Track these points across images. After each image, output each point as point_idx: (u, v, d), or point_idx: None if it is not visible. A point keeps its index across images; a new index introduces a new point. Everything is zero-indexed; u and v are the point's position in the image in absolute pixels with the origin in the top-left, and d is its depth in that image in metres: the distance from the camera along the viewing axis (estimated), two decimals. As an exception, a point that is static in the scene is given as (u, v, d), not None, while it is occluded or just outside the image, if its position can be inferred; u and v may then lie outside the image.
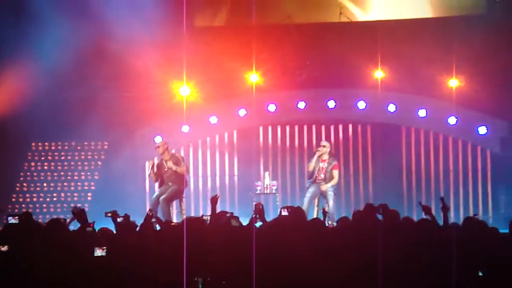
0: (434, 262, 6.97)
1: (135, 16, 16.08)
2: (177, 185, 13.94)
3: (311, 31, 16.24)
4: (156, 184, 14.61)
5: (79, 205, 14.28)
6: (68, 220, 9.11)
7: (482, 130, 15.68)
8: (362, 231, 7.52)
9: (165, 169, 14.00)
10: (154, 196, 14.05)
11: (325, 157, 14.20)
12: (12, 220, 8.23)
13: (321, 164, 14.15)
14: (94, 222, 8.64)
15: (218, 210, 9.13)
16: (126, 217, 8.93)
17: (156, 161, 14.48)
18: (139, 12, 16.22)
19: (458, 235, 7.29)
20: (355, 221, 8.06)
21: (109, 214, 9.08)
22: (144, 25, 15.85)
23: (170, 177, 13.97)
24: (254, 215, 8.53)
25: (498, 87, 15.36)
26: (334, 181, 14.12)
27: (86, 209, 15.62)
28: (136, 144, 16.44)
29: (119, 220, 8.83)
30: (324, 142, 14.37)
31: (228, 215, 8.38)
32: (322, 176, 14.12)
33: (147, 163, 15.49)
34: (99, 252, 7.13)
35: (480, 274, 6.87)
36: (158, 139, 14.94)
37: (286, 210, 8.56)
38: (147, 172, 14.84)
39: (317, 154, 14.13)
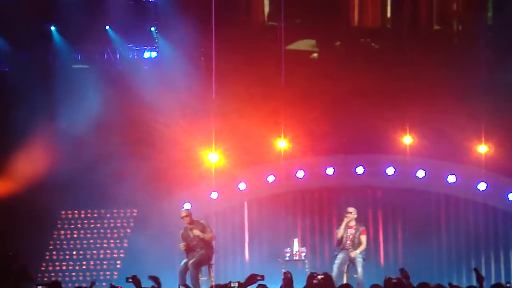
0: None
1: (164, 84, 16.31)
2: (205, 251, 13.87)
3: (338, 96, 16.28)
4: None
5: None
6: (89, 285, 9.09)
7: (513, 196, 15.56)
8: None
9: (191, 237, 13.90)
10: (182, 263, 13.94)
11: (352, 223, 14.15)
12: (41, 289, 8.24)
13: (349, 231, 14.11)
14: (121, 287, 8.62)
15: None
16: (155, 278, 8.88)
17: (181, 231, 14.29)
18: (168, 79, 16.45)
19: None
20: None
21: (130, 280, 9.05)
22: (172, 92, 16.04)
23: (198, 244, 13.90)
24: (283, 284, 8.46)
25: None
26: (363, 246, 14.04)
27: (115, 276, 15.70)
28: (165, 211, 16.45)
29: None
30: (350, 209, 14.33)
31: (259, 278, 8.31)
32: (350, 242, 14.05)
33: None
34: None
35: None
36: (187, 206, 14.88)
37: (316, 279, 8.49)
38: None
39: (345, 220, 14.09)
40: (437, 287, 8.33)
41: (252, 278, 8.37)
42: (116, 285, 8.85)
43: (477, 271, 9.15)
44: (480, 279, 8.79)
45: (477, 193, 15.78)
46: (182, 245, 13.84)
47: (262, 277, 8.39)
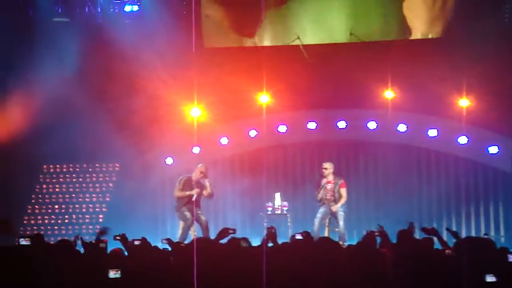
0: (444, 278, 7.02)
1: (145, 38, 16.21)
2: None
3: (321, 52, 16.28)
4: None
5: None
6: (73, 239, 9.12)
7: (493, 149, 15.64)
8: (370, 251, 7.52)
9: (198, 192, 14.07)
10: (189, 216, 13.94)
11: (330, 177, 14.21)
12: (23, 242, 8.24)
13: (328, 185, 14.16)
14: (107, 240, 8.66)
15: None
16: (143, 239, 8.94)
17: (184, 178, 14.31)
18: (149, 34, 16.35)
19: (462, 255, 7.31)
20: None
21: (118, 238, 9.09)
22: (154, 47, 15.96)
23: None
24: (266, 238, 8.51)
25: (509, 106, 15.36)
26: (343, 200, 14.12)
27: (97, 230, 15.76)
28: (147, 165, 16.48)
29: (136, 242, 8.82)
30: (326, 164, 14.37)
31: (230, 231, 8.38)
32: (330, 197, 14.13)
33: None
34: (112, 274, 7.14)
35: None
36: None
37: (301, 235, 8.59)
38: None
39: (323, 182, 14.14)
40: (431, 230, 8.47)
41: (224, 232, 8.44)
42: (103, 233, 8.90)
43: (449, 230, 9.26)
44: (454, 234, 8.87)
45: (458, 147, 15.87)
46: (196, 191, 13.93)
47: (234, 230, 8.47)
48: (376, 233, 8.74)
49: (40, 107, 15.90)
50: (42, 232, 15.83)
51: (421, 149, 16.30)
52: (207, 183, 14.00)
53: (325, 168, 14.27)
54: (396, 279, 7.11)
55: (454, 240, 8.37)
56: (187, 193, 13.96)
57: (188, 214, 13.82)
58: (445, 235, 10.57)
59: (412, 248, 7.77)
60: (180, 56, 15.90)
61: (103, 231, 9.08)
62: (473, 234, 15.75)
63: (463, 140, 15.68)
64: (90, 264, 7.66)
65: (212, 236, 12.30)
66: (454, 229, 14.57)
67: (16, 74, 16.09)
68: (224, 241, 8.07)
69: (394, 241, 8.14)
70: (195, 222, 13.82)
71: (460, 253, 7.45)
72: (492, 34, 15.47)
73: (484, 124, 15.53)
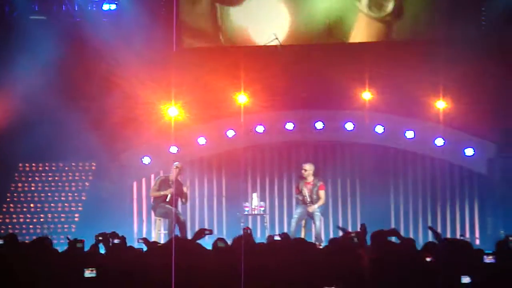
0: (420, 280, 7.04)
1: (123, 37, 16.14)
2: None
3: (298, 52, 16.30)
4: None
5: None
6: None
7: (469, 151, 15.72)
8: (348, 252, 7.53)
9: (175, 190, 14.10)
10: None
11: (310, 179, 14.22)
12: (-4, 242, 8.19)
13: (307, 186, 14.18)
14: (84, 240, 8.62)
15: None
16: (122, 238, 8.91)
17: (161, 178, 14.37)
18: (126, 33, 16.29)
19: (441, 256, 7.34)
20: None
21: (100, 238, 9.03)
22: (131, 46, 15.90)
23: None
24: (242, 240, 8.50)
25: (485, 109, 15.45)
26: (321, 201, 14.15)
27: (73, 230, 15.68)
28: (124, 165, 16.42)
29: (116, 241, 8.78)
30: (306, 165, 14.38)
31: (207, 232, 8.38)
32: (308, 198, 14.14)
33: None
34: (88, 273, 7.10)
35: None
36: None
37: (279, 236, 8.64)
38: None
39: (305, 188, 14.15)
40: (391, 231, 8.49)
41: (200, 233, 8.45)
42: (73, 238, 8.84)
43: (431, 228, 9.31)
44: (437, 235, 8.93)
45: (435, 149, 15.93)
46: (170, 191, 13.91)
47: (210, 231, 8.50)
48: (353, 234, 8.76)
49: (15, 105, 15.79)
50: (17, 231, 15.77)
51: (398, 150, 16.34)
52: (185, 186, 14.09)
53: (305, 170, 14.27)
54: (372, 279, 7.12)
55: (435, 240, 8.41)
56: (162, 192, 13.98)
57: (168, 206, 13.85)
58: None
59: (388, 250, 7.78)
60: (158, 55, 15.85)
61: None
62: (448, 235, 15.82)
63: (439, 142, 15.75)
64: (66, 263, 7.62)
65: (189, 236, 12.29)
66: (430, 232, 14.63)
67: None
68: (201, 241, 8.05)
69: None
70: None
71: (438, 255, 7.47)
72: (471, 38, 15.56)
73: (461, 127, 15.61)
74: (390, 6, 16.58)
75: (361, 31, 16.69)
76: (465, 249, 7.58)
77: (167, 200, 13.95)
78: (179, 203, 14.61)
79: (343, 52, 16.16)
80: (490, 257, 7.49)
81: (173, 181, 14.02)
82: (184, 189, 14.17)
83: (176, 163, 14.20)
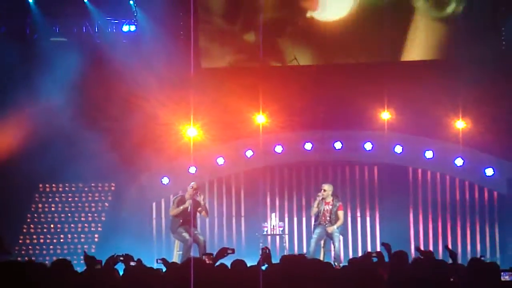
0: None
1: (142, 58, 16.25)
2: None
3: (317, 72, 16.33)
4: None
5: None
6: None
7: (489, 171, 15.68)
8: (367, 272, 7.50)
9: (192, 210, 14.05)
10: (187, 236, 13.88)
11: (329, 199, 14.18)
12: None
13: (325, 207, 14.14)
14: (101, 260, 8.64)
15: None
16: (139, 261, 8.91)
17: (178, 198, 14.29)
18: (146, 54, 16.39)
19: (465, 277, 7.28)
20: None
21: (121, 258, 9.03)
22: (151, 67, 16.00)
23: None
24: (260, 260, 8.49)
25: (505, 128, 15.42)
26: (340, 222, 14.11)
27: (93, 250, 15.72)
28: (143, 185, 16.47)
29: (132, 263, 8.79)
30: (325, 186, 14.32)
31: (229, 251, 8.36)
32: (328, 218, 14.11)
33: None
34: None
35: None
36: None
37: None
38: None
39: (318, 199, 14.10)
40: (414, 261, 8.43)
41: (222, 252, 8.42)
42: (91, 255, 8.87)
43: (448, 248, 9.26)
44: (452, 255, 8.88)
45: (454, 168, 15.90)
46: (188, 203, 13.87)
47: (233, 251, 8.44)
48: (373, 254, 8.73)
49: (36, 125, 15.90)
50: (37, 252, 15.85)
51: (417, 170, 16.31)
52: (201, 200, 14.00)
53: (324, 190, 14.23)
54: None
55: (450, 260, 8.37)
56: (182, 207, 13.93)
57: (186, 235, 13.78)
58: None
59: (409, 270, 7.74)
60: (177, 76, 15.93)
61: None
62: (468, 255, 15.73)
63: (459, 161, 15.71)
64: (86, 284, 7.63)
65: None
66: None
67: (14, 94, 16.09)
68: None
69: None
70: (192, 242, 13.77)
71: (463, 276, 7.43)
72: (489, 59, 15.54)
73: (480, 146, 15.58)
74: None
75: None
76: (494, 273, 7.52)
77: (188, 209, 13.87)
78: (198, 216, 14.48)
79: (361, 72, 16.17)
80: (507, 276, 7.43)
81: (189, 200, 14.00)
82: (201, 201, 14.00)
83: (192, 183, 14.20)
